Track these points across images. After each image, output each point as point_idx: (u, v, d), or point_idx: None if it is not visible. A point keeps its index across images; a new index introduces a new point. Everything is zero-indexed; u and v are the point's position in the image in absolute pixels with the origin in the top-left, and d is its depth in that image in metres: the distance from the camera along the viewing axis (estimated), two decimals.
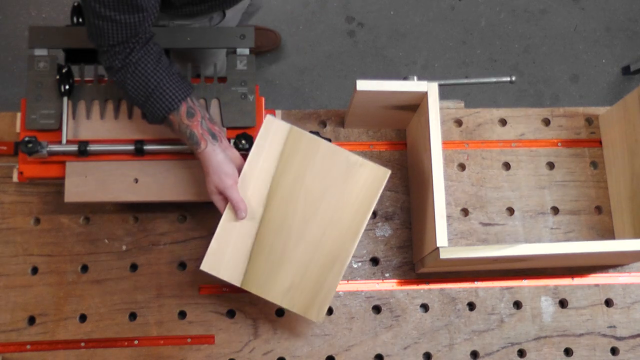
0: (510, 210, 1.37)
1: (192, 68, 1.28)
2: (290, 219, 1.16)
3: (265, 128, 1.17)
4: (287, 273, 1.16)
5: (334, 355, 1.28)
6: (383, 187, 1.17)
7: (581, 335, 1.31)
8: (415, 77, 1.28)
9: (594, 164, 1.41)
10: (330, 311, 1.30)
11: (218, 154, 1.13)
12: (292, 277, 1.16)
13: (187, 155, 1.22)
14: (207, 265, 1.15)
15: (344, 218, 1.17)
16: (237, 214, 1.15)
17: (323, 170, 1.17)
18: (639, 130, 1.28)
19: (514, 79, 1.37)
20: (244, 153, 1.20)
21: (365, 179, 1.17)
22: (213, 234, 1.31)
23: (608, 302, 1.33)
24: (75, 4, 1.29)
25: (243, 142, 1.21)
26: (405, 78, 1.29)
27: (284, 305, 1.16)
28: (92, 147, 1.22)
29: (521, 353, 1.30)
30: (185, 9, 1.34)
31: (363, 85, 1.23)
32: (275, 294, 1.16)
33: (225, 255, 1.16)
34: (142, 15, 1.04)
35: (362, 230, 1.17)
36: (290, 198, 1.16)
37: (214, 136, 1.13)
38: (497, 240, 1.35)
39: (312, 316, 1.15)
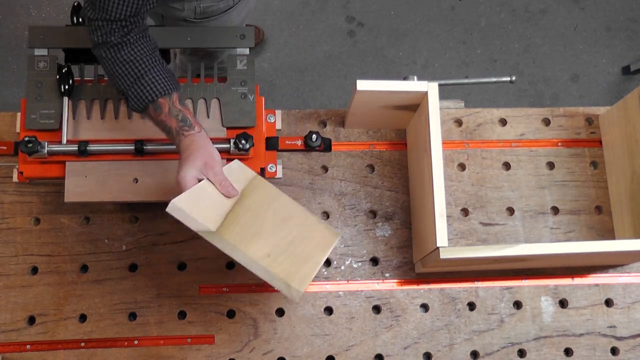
0: (510, 210, 1.37)
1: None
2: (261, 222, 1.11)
3: (228, 168, 1.14)
4: (271, 237, 1.07)
5: (334, 355, 1.28)
6: (332, 247, 1.16)
7: (581, 335, 1.31)
8: (415, 77, 1.28)
9: (594, 164, 1.41)
10: (330, 311, 1.30)
11: (208, 139, 1.11)
12: (277, 241, 1.07)
13: None
14: (179, 203, 1.01)
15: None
16: (230, 194, 1.10)
17: (286, 207, 1.16)
18: (639, 130, 1.28)
19: (514, 79, 1.38)
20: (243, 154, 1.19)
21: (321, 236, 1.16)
22: None
23: (608, 302, 1.33)
24: (75, 3, 1.29)
25: (243, 142, 1.21)
26: (405, 78, 1.29)
27: (265, 264, 1.02)
28: (92, 147, 1.22)
29: (521, 353, 1.30)
30: None
31: (363, 85, 1.23)
32: (255, 251, 1.03)
33: (201, 202, 1.04)
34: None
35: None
36: (259, 211, 1.12)
37: (201, 126, 1.12)
38: (497, 240, 1.35)
39: (295, 284, 1.03)
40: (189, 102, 1.27)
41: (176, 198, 1.02)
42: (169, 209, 1.00)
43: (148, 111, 1.12)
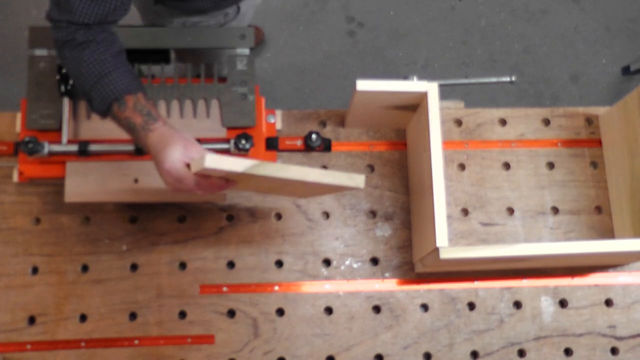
0: (510, 210, 1.37)
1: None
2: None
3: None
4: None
5: (334, 355, 1.28)
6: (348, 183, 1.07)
7: (581, 335, 1.31)
8: (415, 77, 1.28)
9: (594, 164, 1.41)
10: (330, 311, 1.30)
11: (175, 128, 1.05)
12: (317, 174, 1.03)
13: None
14: (212, 155, 0.96)
15: None
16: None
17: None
18: (639, 130, 1.28)
19: (514, 79, 1.38)
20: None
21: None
22: (213, 234, 1.31)
23: (608, 302, 1.33)
24: None
25: (243, 142, 1.21)
26: (405, 78, 1.29)
27: (320, 174, 1.01)
28: (92, 147, 1.22)
29: (521, 353, 1.30)
30: (199, 4, 1.33)
31: (363, 85, 1.23)
32: (300, 169, 1.00)
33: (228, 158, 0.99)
34: (118, 2, 1.04)
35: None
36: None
37: (165, 119, 1.08)
38: (497, 240, 1.35)
39: (356, 179, 1.03)
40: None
41: (203, 155, 0.95)
42: (207, 163, 0.94)
43: (112, 110, 1.06)
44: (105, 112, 1.08)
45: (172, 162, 0.99)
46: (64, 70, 1.22)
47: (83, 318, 1.27)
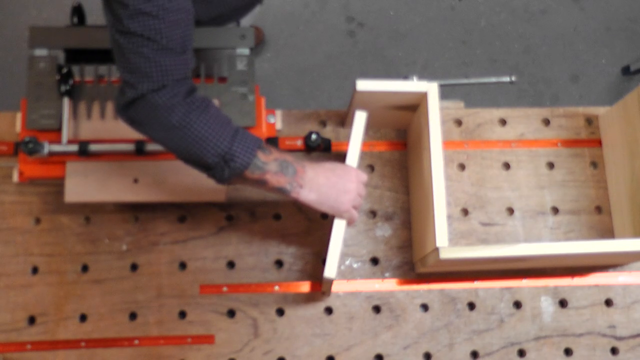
0: (510, 210, 1.37)
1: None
2: None
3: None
4: None
5: (334, 355, 1.28)
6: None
7: (581, 335, 1.31)
8: (415, 77, 1.28)
9: (594, 164, 1.41)
10: (330, 311, 1.30)
11: (320, 176, 1.08)
12: None
13: None
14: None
15: None
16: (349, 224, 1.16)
17: None
18: (639, 130, 1.28)
19: (514, 79, 1.38)
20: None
21: None
22: (213, 234, 1.32)
23: (608, 302, 1.33)
24: (75, 4, 1.29)
25: None
26: (405, 78, 1.29)
27: None
28: (92, 147, 1.22)
29: (521, 353, 1.30)
30: (199, 21, 1.33)
31: (363, 85, 1.23)
32: None
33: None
34: (190, 54, 1.00)
35: None
36: None
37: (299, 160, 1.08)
38: (497, 240, 1.35)
39: None
40: None
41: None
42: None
43: (256, 159, 1.01)
44: (246, 166, 1.00)
45: (346, 210, 1.11)
46: (64, 71, 1.22)
47: (83, 318, 1.27)
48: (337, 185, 1.09)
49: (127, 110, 0.99)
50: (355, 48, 2.48)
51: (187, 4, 0.96)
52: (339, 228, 1.14)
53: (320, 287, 1.29)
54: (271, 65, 2.44)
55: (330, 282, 1.17)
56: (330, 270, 1.13)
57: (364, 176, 1.13)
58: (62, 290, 1.28)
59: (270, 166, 1.02)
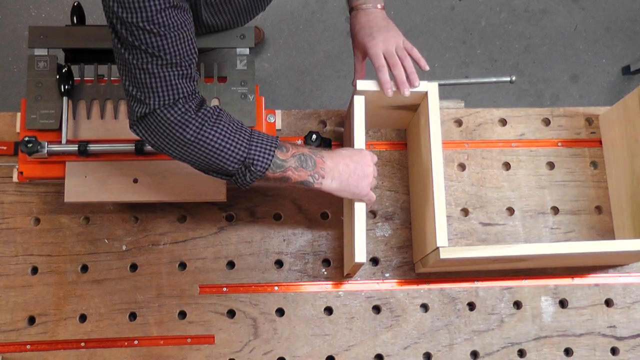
0: (510, 210, 1.37)
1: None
2: None
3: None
4: None
5: (334, 355, 1.28)
6: None
7: (581, 335, 1.31)
8: None
9: (594, 164, 1.41)
10: (330, 311, 1.30)
11: (340, 164, 1.09)
12: None
13: None
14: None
15: None
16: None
17: None
18: (639, 130, 1.28)
19: (514, 79, 1.37)
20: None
21: None
22: (213, 234, 1.31)
23: (608, 302, 1.33)
24: (75, 4, 1.29)
25: None
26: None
27: None
28: (92, 147, 1.21)
29: (521, 353, 1.30)
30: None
31: (363, 85, 1.23)
32: None
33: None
34: (195, 67, 1.01)
35: None
36: None
37: (317, 151, 1.09)
38: (497, 240, 1.35)
39: None
40: None
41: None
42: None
43: (274, 158, 1.02)
44: (267, 167, 1.01)
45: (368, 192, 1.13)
46: (64, 70, 1.22)
47: (83, 318, 1.27)
48: (356, 171, 1.10)
49: (139, 126, 0.99)
50: None
51: (187, 18, 0.97)
52: (360, 212, 1.15)
53: (342, 271, 1.30)
54: (271, 65, 2.43)
55: (359, 265, 1.18)
56: (360, 254, 1.13)
57: (375, 157, 1.15)
58: (62, 290, 1.28)
59: (290, 162, 1.04)
